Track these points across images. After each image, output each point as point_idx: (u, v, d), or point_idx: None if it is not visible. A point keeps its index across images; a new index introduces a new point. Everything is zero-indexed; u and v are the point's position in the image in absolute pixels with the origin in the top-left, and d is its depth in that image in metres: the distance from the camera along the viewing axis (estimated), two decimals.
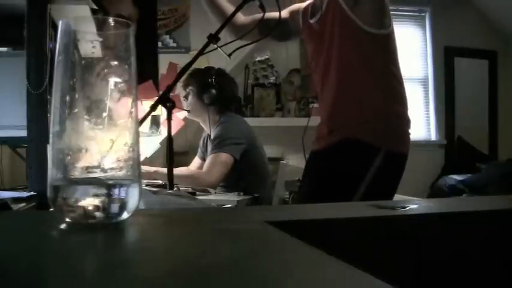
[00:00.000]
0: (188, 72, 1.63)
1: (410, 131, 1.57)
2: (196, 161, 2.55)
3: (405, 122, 1.56)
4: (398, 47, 1.56)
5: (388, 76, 1.54)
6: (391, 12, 1.53)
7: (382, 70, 1.53)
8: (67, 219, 0.45)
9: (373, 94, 1.53)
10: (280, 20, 1.57)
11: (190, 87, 2.36)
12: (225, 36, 1.56)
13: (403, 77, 1.57)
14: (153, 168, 2.19)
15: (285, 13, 1.72)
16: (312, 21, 1.66)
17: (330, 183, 1.51)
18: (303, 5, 1.74)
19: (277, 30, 1.66)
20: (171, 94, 1.62)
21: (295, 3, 1.81)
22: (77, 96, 0.46)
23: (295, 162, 2.76)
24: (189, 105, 2.38)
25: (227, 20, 1.58)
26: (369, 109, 1.52)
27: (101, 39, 0.47)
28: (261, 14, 1.59)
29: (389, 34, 1.52)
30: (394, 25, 1.55)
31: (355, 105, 1.54)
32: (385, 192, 1.49)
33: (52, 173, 0.46)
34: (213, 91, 2.28)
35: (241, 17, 1.77)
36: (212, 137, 2.32)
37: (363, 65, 1.53)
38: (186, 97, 2.40)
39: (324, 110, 1.65)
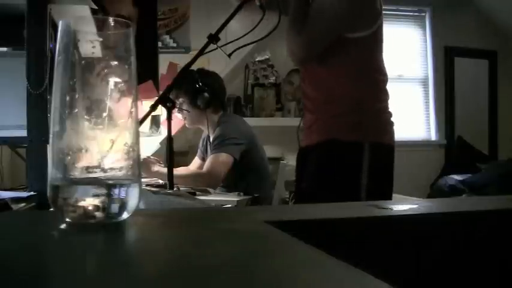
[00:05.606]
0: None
1: (392, 119, 1.56)
2: (196, 161, 2.55)
3: (385, 114, 1.55)
4: (385, 43, 1.56)
5: (367, 70, 1.54)
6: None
7: (361, 64, 1.54)
8: (67, 219, 0.45)
9: (349, 87, 1.53)
10: (279, 17, 1.56)
11: (181, 99, 2.33)
12: (225, 36, 1.56)
13: (386, 72, 1.57)
14: (154, 168, 2.19)
15: None
16: None
17: (329, 186, 1.51)
18: None
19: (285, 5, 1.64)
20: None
21: None
22: (77, 96, 0.46)
23: (295, 162, 2.75)
24: (186, 115, 2.35)
25: (226, 21, 1.58)
26: (345, 102, 1.52)
27: (101, 39, 0.47)
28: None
29: (370, 34, 1.52)
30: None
31: (330, 98, 1.55)
32: (383, 187, 1.49)
33: (52, 173, 0.46)
34: (205, 94, 2.25)
35: None
36: (212, 138, 2.32)
37: (340, 59, 1.53)
38: (180, 110, 2.36)
39: (306, 106, 1.66)
